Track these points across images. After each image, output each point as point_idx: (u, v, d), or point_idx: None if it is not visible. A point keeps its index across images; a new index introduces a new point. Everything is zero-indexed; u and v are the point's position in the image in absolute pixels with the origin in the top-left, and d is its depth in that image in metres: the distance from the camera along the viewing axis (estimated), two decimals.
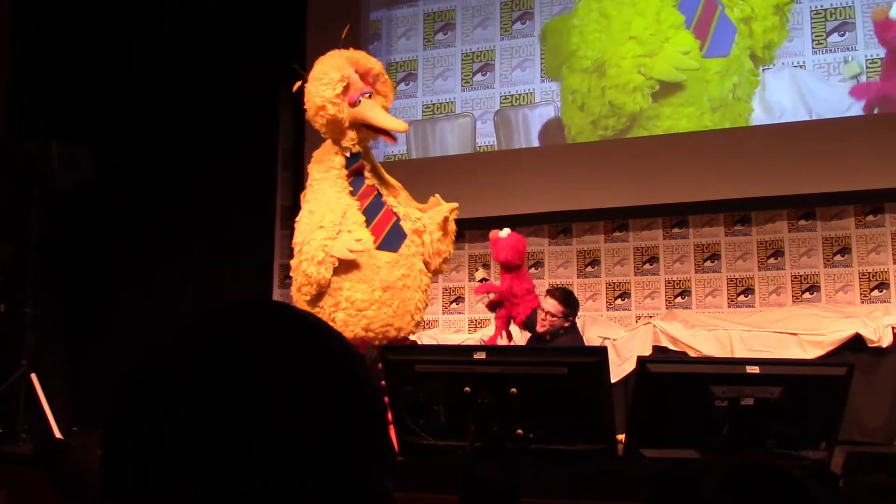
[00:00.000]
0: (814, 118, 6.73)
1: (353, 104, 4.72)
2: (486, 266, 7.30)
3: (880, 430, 5.62)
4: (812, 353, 5.79)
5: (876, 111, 6.63)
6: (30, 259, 6.02)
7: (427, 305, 5.05)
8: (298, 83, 4.88)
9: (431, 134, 7.79)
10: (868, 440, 5.47)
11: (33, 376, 5.68)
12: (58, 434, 5.48)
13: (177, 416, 0.69)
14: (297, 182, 7.88)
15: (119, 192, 7.45)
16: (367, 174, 4.90)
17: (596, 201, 7.17)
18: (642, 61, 7.12)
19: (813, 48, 6.78)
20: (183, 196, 7.59)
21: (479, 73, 7.68)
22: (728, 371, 3.68)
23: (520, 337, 5.75)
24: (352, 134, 4.78)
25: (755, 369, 3.54)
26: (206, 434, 0.69)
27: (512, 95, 7.58)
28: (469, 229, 7.11)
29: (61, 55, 7.42)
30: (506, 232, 5.28)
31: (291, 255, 4.88)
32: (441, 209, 4.81)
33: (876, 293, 6.57)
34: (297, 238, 4.83)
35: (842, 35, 6.71)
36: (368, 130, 4.85)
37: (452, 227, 4.87)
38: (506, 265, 5.25)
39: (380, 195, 4.90)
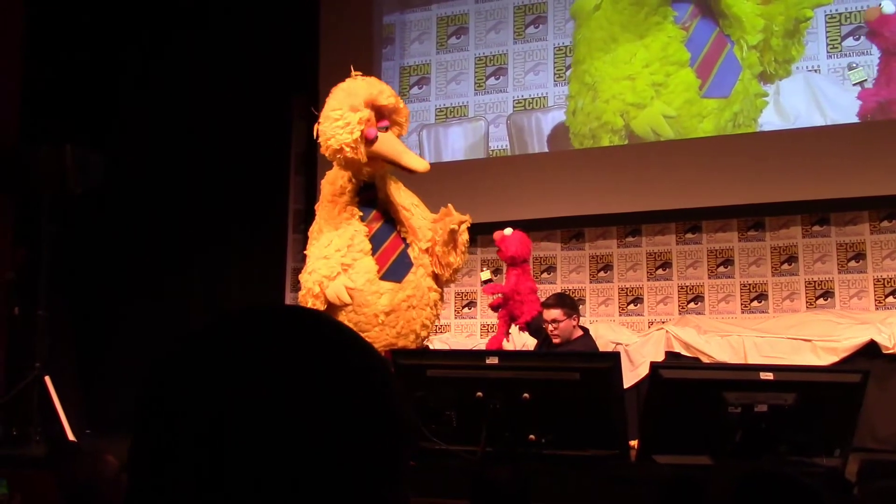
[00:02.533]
0: (828, 123, 6.69)
1: (371, 139, 4.68)
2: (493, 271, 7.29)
3: (895, 437, 5.57)
4: (826, 360, 5.76)
5: (868, 117, 6.60)
6: (43, 262, 6.05)
7: (437, 318, 5.05)
8: (317, 126, 4.82)
9: (444, 137, 7.79)
10: (882, 448, 5.43)
11: (47, 379, 5.69)
12: (71, 436, 5.50)
13: (197, 421, 0.69)
14: (310, 186, 7.90)
15: (132, 196, 7.47)
16: (378, 200, 4.91)
17: (608, 206, 7.16)
18: (628, 108, 7.15)
19: (828, 52, 6.75)
20: (196, 200, 7.61)
21: (493, 77, 7.68)
22: (741, 377, 3.67)
23: (518, 339, 5.73)
24: (368, 169, 4.76)
25: (769, 376, 3.53)
26: (227, 440, 0.68)
27: (525, 99, 7.57)
28: (481, 234, 7.10)
29: (75, 60, 7.45)
30: (510, 230, 5.30)
31: (304, 260, 4.91)
32: (449, 221, 4.76)
33: (891, 299, 6.53)
34: (308, 252, 4.92)
35: (857, 39, 6.68)
36: (386, 163, 4.81)
37: (464, 238, 4.82)
38: (513, 260, 5.26)
39: (389, 221, 4.89)
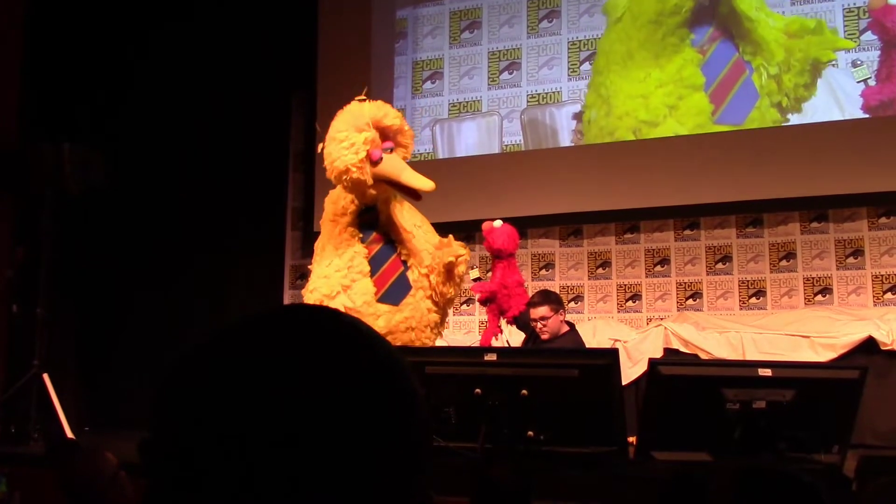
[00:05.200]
0: (846, 117, 6.65)
1: (376, 162, 4.66)
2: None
3: (893, 433, 5.58)
4: (824, 356, 5.76)
5: (872, 114, 6.59)
6: (42, 260, 6.05)
7: (438, 338, 5.05)
8: (321, 145, 4.81)
9: (458, 133, 7.77)
10: (881, 444, 5.44)
11: (45, 376, 5.70)
12: (69, 434, 5.50)
13: (220, 420, 0.69)
14: (309, 183, 7.90)
15: (131, 195, 7.47)
16: (380, 223, 4.91)
17: (607, 203, 7.15)
18: (640, 126, 7.13)
19: None
20: (195, 198, 7.61)
21: (506, 72, 7.65)
22: (740, 374, 3.68)
23: (508, 334, 5.73)
24: (373, 192, 4.74)
25: (767, 372, 3.54)
26: (250, 439, 0.68)
27: (539, 94, 7.56)
28: (480, 230, 7.11)
29: (74, 58, 7.45)
30: (499, 222, 5.30)
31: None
32: (447, 252, 4.73)
33: (889, 295, 6.53)
34: (312, 267, 4.96)
35: (875, 33, 6.65)
36: (391, 186, 4.79)
37: (459, 270, 4.80)
38: (499, 253, 5.26)
39: (390, 243, 4.89)
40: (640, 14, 7.19)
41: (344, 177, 4.64)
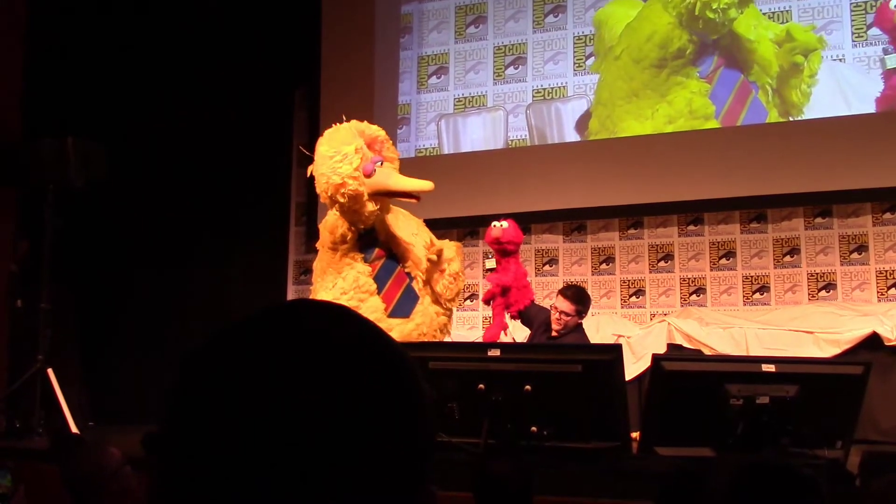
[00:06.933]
0: (853, 112, 6.63)
1: (369, 175, 4.63)
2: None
3: None
4: (828, 352, 5.76)
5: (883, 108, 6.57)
6: (45, 255, 6.05)
7: (447, 337, 5.08)
8: (311, 168, 4.80)
9: (463, 128, 7.77)
10: (884, 440, 5.44)
11: (49, 371, 5.71)
12: (74, 429, 5.51)
13: (229, 421, 0.69)
14: (312, 179, 7.89)
15: (134, 189, 7.47)
16: (380, 241, 4.90)
17: (611, 198, 7.15)
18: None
19: (853, 41, 6.71)
20: (198, 193, 7.61)
21: (512, 67, 7.64)
22: (743, 369, 3.68)
23: (512, 328, 5.74)
24: (371, 206, 4.66)
25: (771, 368, 3.54)
26: (259, 438, 0.69)
27: (544, 89, 7.55)
28: (485, 226, 7.10)
29: (77, 52, 7.45)
30: (504, 223, 5.28)
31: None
32: (431, 252, 4.73)
33: (893, 291, 6.52)
34: (313, 292, 4.98)
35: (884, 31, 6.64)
36: (387, 198, 4.78)
37: (453, 268, 4.79)
38: (517, 248, 5.26)
39: (392, 257, 4.89)
40: (642, 58, 7.16)
41: (341, 191, 4.57)
